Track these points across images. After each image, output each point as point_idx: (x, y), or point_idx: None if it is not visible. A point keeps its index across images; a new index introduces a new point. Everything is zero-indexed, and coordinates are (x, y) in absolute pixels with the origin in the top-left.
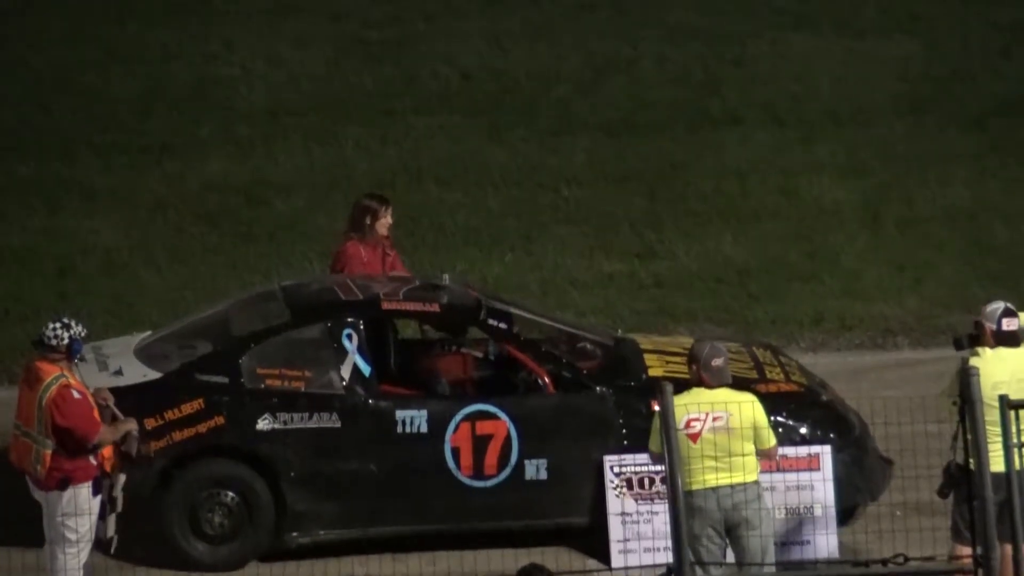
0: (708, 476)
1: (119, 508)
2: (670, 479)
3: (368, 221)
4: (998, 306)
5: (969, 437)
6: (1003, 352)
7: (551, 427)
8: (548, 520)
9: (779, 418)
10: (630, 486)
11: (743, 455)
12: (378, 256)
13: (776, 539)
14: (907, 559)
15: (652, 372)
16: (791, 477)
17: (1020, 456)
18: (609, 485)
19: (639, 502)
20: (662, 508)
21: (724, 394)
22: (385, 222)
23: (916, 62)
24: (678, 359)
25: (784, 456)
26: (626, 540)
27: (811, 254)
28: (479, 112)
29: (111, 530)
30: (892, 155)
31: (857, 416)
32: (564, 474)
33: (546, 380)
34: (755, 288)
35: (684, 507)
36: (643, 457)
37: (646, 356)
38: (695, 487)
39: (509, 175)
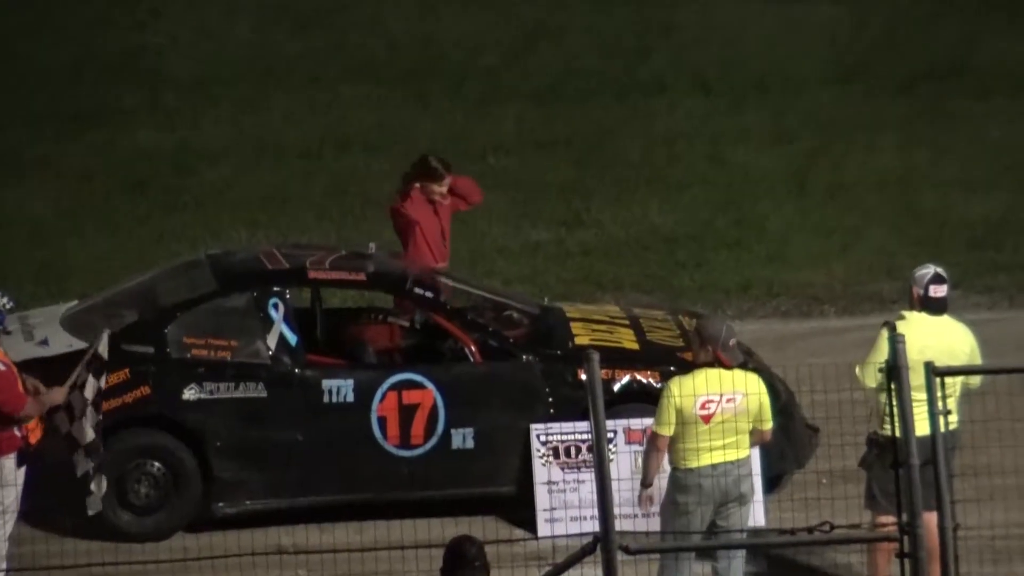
0: (714, 455)
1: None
2: (596, 448)
3: (428, 180)
4: (927, 271)
5: (895, 403)
6: (928, 318)
7: (478, 396)
8: (475, 489)
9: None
10: (556, 455)
11: (743, 433)
12: (431, 212)
13: None
14: (833, 527)
15: (579, 340)
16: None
17: (945, 423)
18: (535, 454)
19: (565, 471)
20: (588, 477)
21: (735, 376)
22: (438, 190)
23: (844, 29)
24: (604, 327)
25: None
26: (552, 509)
27: (738, 221)
28: (406, 81)
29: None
30: (820, 122)
31: (783, 384)
32: (491, 443)
33: (472, 349)
34: (682, 256)
35: (674, 483)
36: (569, 426)
37: (572, 325)
38: (698, 465)
39: (436, 144)
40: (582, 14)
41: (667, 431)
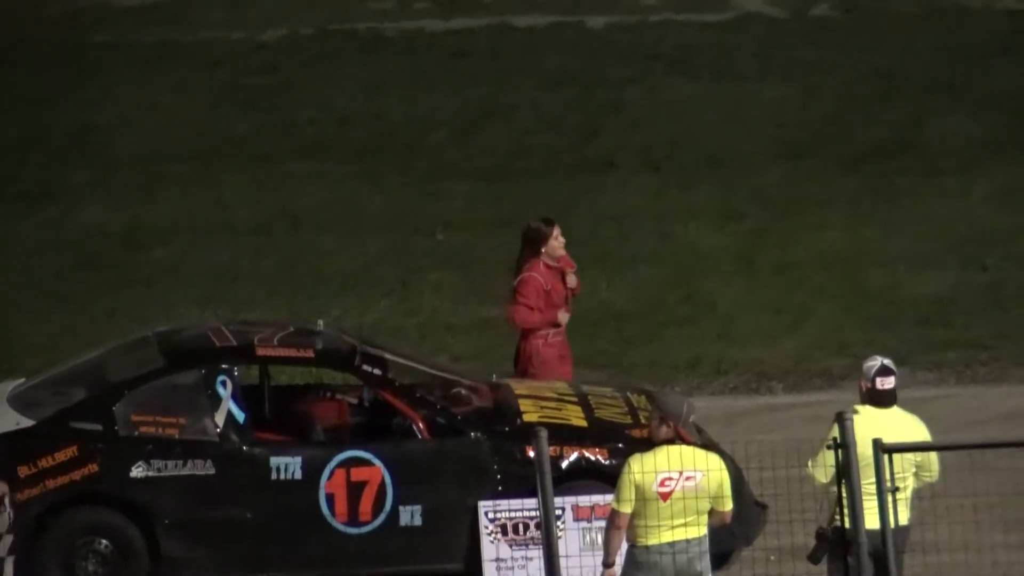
0: (672, 532)
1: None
2: (545, 525)
3: (535, 244)
4: (874, 363)
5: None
6: (878, 411)
7: (426, 473)
8: (423, 566)
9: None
10: (504, 532)
11: (701, 512)
12: (557, 277)
13: None
14: None
15: (527, 417)
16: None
17: (893, 501)
18: (484, 531)
19: (514, 548)
20: (537, 554)
21: (696, 454)
22: (557, 242)
23: (792, 107)
24: (552, 404)
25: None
26: None
27: (687, 298)
28: (356, 158)
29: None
30: (768, 199)
31: (732, 460)
32: (439, 520)
33: (421, 426)
34: (631, 332)
35: (631, 560)
36: (517, 502)
37: (521, 401)
38: (652, 542)
39: (386, 221)
40: (531, 92)
41: (626, 508)
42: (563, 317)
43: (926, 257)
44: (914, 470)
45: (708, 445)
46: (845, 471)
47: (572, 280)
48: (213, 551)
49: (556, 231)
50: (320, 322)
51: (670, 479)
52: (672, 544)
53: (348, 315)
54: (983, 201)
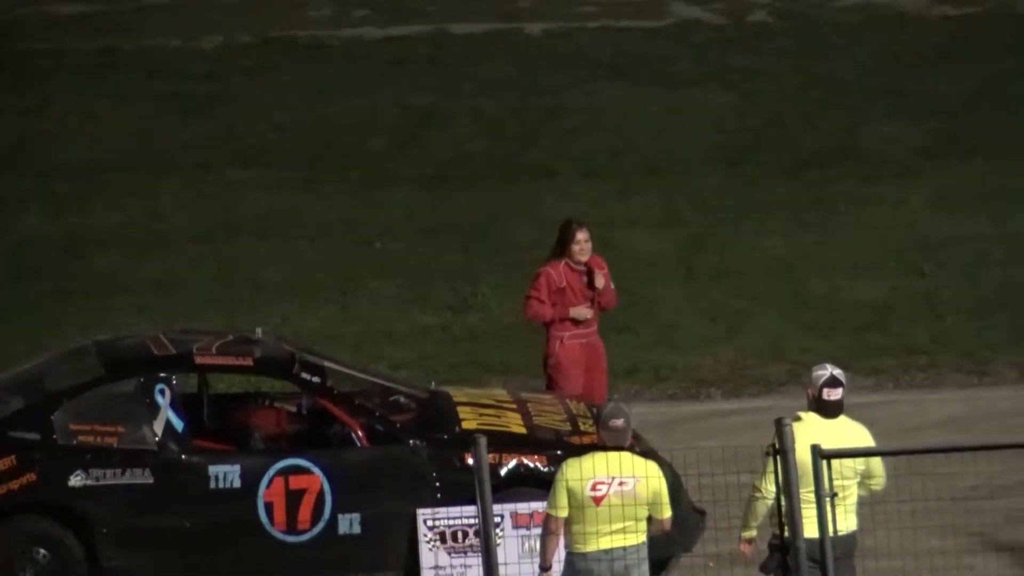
0: (604, 540)
1: None
2: (484, 532)
3: (563, 244)
4: (824, 372)
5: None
6: (822, 420)
7: (364, 481)
8: (362, 574)
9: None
10: (443, 539)
11: (640, 518)
12: (578, 278)
13: None
14: None
15: (466, 425)
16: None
17: (832, 507)
18: (422, 539)
19: (452, 555)
20: (476, 561)
21: (634, 460)
22: (579, 247)
23: (731, 114)
24: (491, 411)
25: None
26: None
27: (626, 305)
28: (295, 166)
29: None
30: (707, 206)
31: (670, 467)
32: (378, 528)
33: (359, 434)
34: None
35: (569, 567)
36: (456, 510)
37: (460, 409)
38: (588, 549)
39: (325, 228)
40: (470, 99)
41: (560, 513)
42: (578, 312)
43: (864, 264)
44: (859, 478)
45: (647, 452)
46: (784, 477)
47: (600, 280)
48: (152, 560)
49: (581, 234)
50: (259, 330)
51: (602, 484)
52: (609, 551)
53: (287, 323)
54: (921, 208)
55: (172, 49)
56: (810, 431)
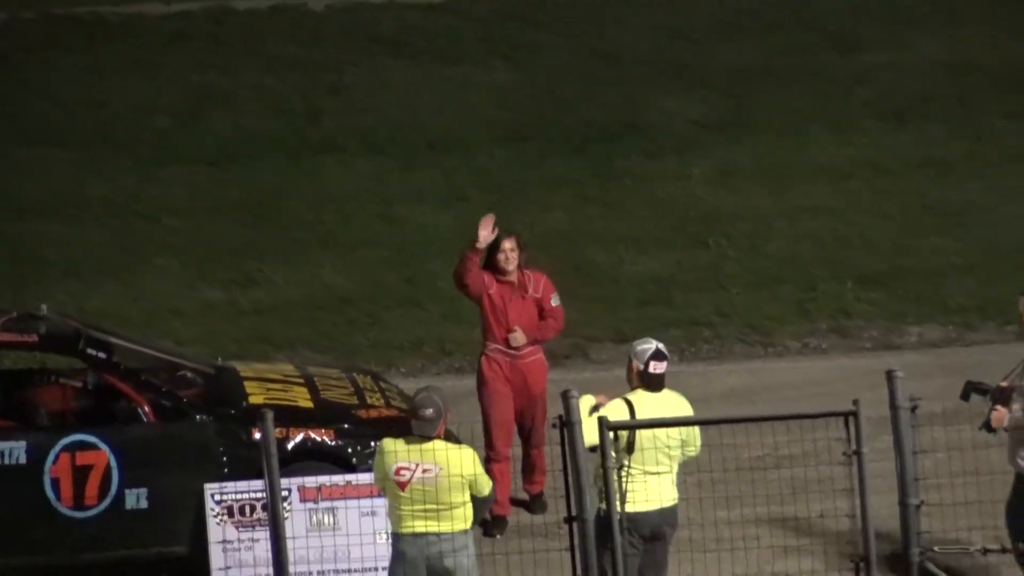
0: (415, 523)
1: None
2: (271, 506)
3: (489, 252)
4: (649, 346)
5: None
6: (648, 395)
7: (151, 456)
8: (149, 549)
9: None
10: (231, 514)
11: (452, 506)
12: (508, 292)
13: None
14: None
15: (253, 399)
16: None
17: (620, 480)
18: (210, 513)
19: (240, 530)
20: (263, 535)
21: (436, 448)
22: (503, 255)
23: (515, 89)
24: (278, 386)
25: None
26: (227, 568)
27: (410, 280)
28: (78, 144)
29: None
30: (491, 182)
31: (457, 440)
32: (165, 503)
33: (146, 409)
34: (355, 314)
35: (392, 547)
36: (244, 484)
37: (247, 384)
38: (402, 531)
39: (109, 206)
40: (253, 76)
41: (376, 484)
42: (514, 339)
43: (648, 237)
44: (681, 448)
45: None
46: (570, 449)
47: (517, 340)
48: None
49: (507, 243)
50: (44, 307)
51: (406, 469)
52: (421, 535)
53: (72, 301)
54: (704, 181)
55: None
56: (643, 405)
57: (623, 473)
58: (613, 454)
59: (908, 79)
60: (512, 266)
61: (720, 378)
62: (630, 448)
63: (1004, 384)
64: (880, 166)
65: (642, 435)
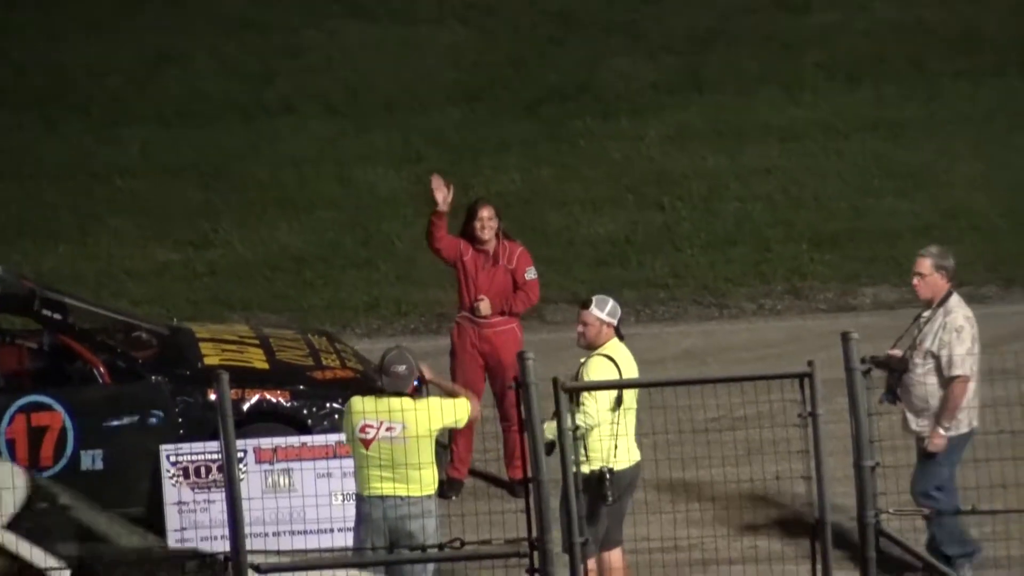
0: (377, 484)
1: None
2: (227, 467)
3: (467, 220)
4: (615, 302)
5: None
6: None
7: (107, 417)
8: (105, 510)
9: (335, 404)
10: (187, 475)
11: (418, 467)
12: (482, 262)
13: (343, 524)
14: (463, 543)
15: (208, 361)
16: (348, 463)
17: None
18: (165, 475)
19: (196, 491)
20: (219, 496)
21: (404, 404)
22: (480, 223)
23: (469, 50)
24: (234, 347)
25: (341, 442)
26: (183, 529)
27: (366, 241)
28: (32, 105)
29: None
30: (446, 143)
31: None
32: (120, 464)
33: (101, 370)
34: (310, 275)
35: (356, 509)
36: (199, 446)
37: (202, 345)
38: (365, 493)
39: (63, 167)
40: (207, 38)
41: (348, 444)
42: (479, 308)
43: (603, 198)
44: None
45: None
46: (525, 410)
47: (482, 308)
48: None
49: (484, 211)
50: None
51: (370, 427)
52: (384, 498)
53: (26, 262)
54: (658, 142)
55: None
56: (622, 361)
57: (611, 431)
58: (592, 415)
59: (860, 40)
60: (488, 235)
61: (675, 339)
62: (618, 405)
63: (896, 352)
64: (833, 127)
65: (627, 395)
